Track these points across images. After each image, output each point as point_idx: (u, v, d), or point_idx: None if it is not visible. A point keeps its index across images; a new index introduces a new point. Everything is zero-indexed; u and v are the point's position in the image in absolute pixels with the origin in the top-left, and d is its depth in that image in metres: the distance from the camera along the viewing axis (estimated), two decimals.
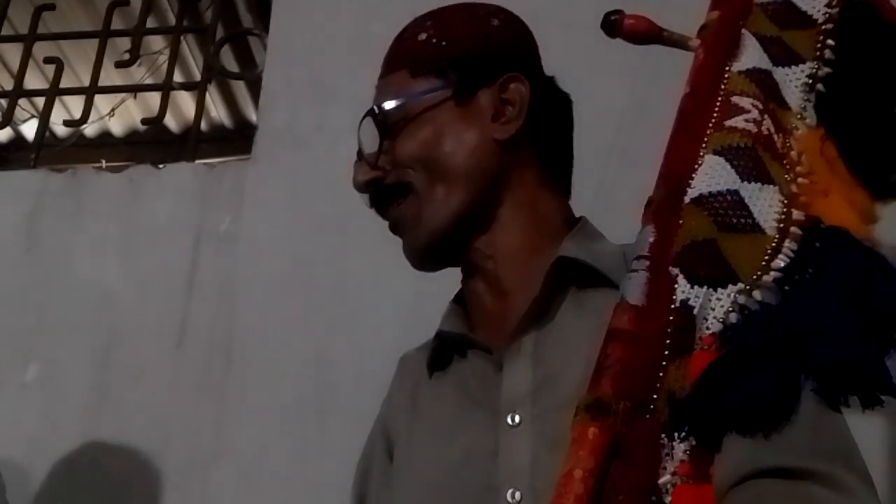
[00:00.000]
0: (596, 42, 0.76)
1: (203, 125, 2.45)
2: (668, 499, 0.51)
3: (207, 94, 2.27)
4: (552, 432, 0.69)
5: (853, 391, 0.50)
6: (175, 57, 2.12)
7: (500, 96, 0.84)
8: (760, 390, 0.50)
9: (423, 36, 0.86)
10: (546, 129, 0.86)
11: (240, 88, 3.23)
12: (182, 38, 2.31)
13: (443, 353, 0.85)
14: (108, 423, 1.60)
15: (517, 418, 0.73)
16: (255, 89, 2.51)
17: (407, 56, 0.86)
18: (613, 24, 0.73)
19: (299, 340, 1.58)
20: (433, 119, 0.83)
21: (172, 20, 2.44)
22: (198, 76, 2.44)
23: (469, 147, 0.82)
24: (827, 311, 0.52)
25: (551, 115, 0.87)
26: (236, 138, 3.18)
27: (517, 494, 0.70)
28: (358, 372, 1.48)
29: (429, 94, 0.83)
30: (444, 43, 0.85)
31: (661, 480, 0.52)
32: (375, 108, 0.84)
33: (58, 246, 1.79)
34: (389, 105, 0.83)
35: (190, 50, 2.97)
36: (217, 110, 3.32)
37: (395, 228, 0.86)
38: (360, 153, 0.86)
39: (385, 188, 0.84)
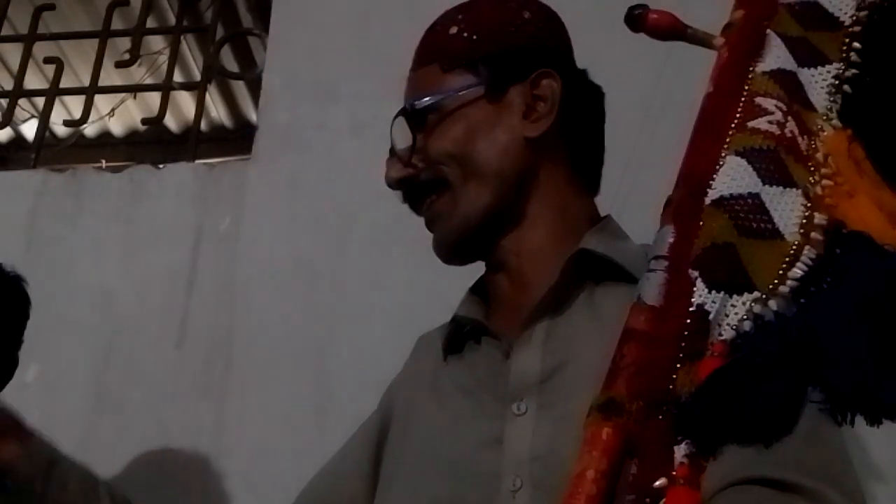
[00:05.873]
0: (621, 38, 0.76)
1: (203, 125, 2.46)
2: (663, 502, 0.51)
3: (207, 94, 2.27)
4: (557, 422, 0.70)
5: (862, 410, 0.48)
6: (175, 57, 2.12)
7: (531, 92, 0.84)
8: (763, 402, 0.49)
9: (454, 30, 0.86)
10: (577, 125, 0.87)
11: (240, 88, 3.23)
12: (182, 38, 2.31)
13: (458, 337, 0.85)
14: (108, 423, 1.60)
15: (523, 407, 0.74)
16: (255, 89, 2.51)
17: (438, 50, 0.86)
18: (637, 19, 0.72)
19: (299, 340, 1.58)
20: (466, 116, 0.83)
21: (172, 20, 2.44)
22: (198, 76, 2.45)
23: (501, 145, 0.83)
24: (841, 324, 0.51)
25: (583, 111, 0.88)
26: (236, 138, 3.18)
27: (517, 482, 0.70)
28: (358, 372, 1.48)
29: (461, 91, 0.83)
30: (475, 37, 0.85)
31: (657, 483, 0.51)
32: (408, 105, 0.84)
33: (58, 246, 1.79)
34: (422, 102, 0.84)
35: (190, 50, 2.97)
36: (217, 110, 3.32)
37: (429, 224, 0.87)
38: (392, 150, 0.87)
39: (419, 184, 0.85)
